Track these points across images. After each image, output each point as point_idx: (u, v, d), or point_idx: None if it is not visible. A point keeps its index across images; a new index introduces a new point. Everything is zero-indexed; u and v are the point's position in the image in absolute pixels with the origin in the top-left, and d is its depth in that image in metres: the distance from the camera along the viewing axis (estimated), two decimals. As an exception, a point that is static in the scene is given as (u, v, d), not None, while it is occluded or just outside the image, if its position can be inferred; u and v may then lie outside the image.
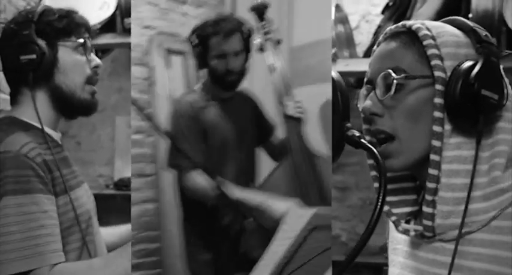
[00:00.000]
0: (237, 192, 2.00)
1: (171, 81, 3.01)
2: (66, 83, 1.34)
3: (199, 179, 2.06)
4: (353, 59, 2.66)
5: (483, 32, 0.94)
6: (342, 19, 2.73)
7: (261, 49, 2.26)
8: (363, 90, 1.00)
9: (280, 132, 2.33)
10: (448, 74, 0.91)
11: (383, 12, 2.59)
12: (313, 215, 1.37)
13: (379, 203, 0.81)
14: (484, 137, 0.91)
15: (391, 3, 2.54)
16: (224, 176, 2.09)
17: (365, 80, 1.00)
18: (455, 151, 0.91)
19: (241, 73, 2.20)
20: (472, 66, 0.89)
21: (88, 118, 1.42)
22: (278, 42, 2.26)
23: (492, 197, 0.90)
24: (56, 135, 1.37)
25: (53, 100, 1.34)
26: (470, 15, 2.17)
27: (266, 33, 2.26)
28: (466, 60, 0.91)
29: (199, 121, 2.14)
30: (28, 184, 1.18)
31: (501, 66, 0.93)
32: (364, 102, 0.97)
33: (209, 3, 3.30)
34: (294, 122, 2.16)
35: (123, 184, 2.95)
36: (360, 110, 0.98)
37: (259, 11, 2.28)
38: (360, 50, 2.80)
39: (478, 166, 0.90)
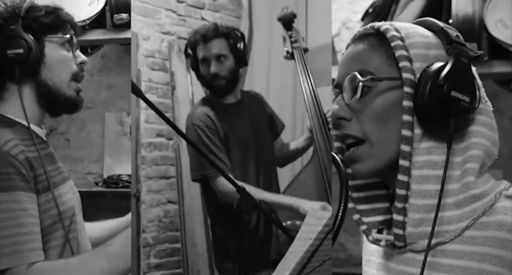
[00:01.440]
0: (267, 195, 2.06)
1: (191, 86, 3.05)
2: (52, 79, 1.35)
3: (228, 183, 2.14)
4: (334, 66, 2.60)
5: (454, 33, 0.89)
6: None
7: (290, 57, 2.33)
8: (331, 95, 0.97)
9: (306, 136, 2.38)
10: (418, 76, 0.87)
11: (363, 19, 2.57)
12: (331, 216, 1.39)
13: (341, 211, 0.78)
14: (456, 142, 0.87)
15: (370, 10, 2.52)
16: (247, 177, 2.17)
17: (333, 83, 0.97)
18: (426, 156, 0.86)
19: (230, 78, 2.22)
20: (442, 68, 0.85)
21: (77, 115, 1.43)
22: (305, 50, 2.35)
23: (464, 204, 0.86)
24: (40, 131, 1.37)
25: (38, 96, 1.35)
26: (450, 21, 2.15)
27: (293, 42, 2.34)
28: (436, 61, 0.87)
29: (217, 129, 2.19)
30: (9, 182, 1.18)
31: (473, 68, 0.89)
32: (332, 106, 0.94)
33: (227, 8, 3.34)
34: (322, 125, 2.23)
35: (113, 182, 2.91)
36: (328, 115, 0.95)
37: (287, 21, 2.37)
38: (341, 57, 2.73)
39: (450, 171, 0.86)
